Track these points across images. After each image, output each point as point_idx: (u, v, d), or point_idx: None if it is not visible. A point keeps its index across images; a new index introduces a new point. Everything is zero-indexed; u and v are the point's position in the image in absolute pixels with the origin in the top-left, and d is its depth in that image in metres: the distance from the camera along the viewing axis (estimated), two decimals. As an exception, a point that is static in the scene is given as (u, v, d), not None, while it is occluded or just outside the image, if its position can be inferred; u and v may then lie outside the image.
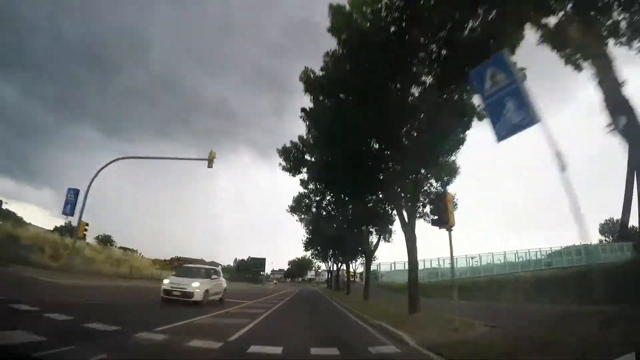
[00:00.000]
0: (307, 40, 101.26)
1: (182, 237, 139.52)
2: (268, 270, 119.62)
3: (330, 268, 57.44)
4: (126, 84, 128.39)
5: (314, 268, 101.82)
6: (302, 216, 31.86)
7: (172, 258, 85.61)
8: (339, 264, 46.77)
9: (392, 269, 39.43)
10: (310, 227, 37.86)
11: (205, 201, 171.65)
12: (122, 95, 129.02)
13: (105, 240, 70.16)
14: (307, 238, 49.42)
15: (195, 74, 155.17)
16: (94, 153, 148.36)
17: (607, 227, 64.28)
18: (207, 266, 17.67)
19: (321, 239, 40.19)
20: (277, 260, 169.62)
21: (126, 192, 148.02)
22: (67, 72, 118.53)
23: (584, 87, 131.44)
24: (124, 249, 67.86)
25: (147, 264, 44.84)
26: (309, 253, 60.35)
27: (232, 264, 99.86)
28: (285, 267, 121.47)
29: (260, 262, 70.77)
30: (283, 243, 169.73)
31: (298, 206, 29.72)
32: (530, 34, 9.79)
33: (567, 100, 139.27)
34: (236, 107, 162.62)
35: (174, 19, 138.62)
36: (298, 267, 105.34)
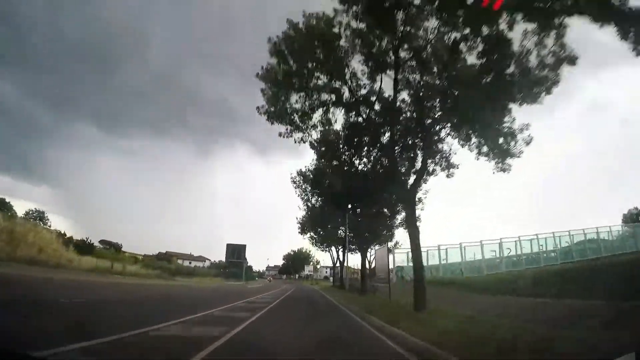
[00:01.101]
0: None
1: (176, 233, 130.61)
2: (262, 266, 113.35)
3: (337, 258, 40.48)
4: (124, 80, 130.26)
5: (312, 262, 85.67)
6: (294, 133, 14.49)
7: (159, 253, 78.78)
8: (368, 247, 29.64)
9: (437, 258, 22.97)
10: (311, 175, 21.22)
11: (201, 198, 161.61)
12: (120, 93, 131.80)
13: (37, 217, 54.02)
14: (305, 213, 32.94)
15: (193, 71, 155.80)
16: (91, 150, 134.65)
17: (629, 217, 58.85)
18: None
19: (326, 205, 23.75)
20: (273, 257, 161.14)
21: (119, 188, 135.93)
22: (65, 69, 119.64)
23: (587, 82, 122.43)
24: (104, 242, 57.96)
25: (52, 241, 27.85)
26: (306, 241, 43.88)
27: (224, 260, 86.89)
28: (282, 263, 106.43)
29: (238, 250, 50.62)
30: (283, 240, 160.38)
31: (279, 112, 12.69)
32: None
33: (571, 95, 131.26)
34: (234, 105, 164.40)
35: (173, 15, 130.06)
36: (294, 262, 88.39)
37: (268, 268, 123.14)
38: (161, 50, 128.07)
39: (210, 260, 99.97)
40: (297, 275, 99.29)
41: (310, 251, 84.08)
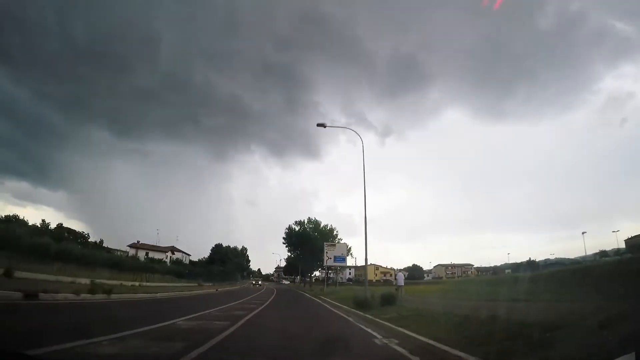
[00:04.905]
0: (315, 30, 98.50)
1: (188, 234, 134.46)
2: (271, 269, 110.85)
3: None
4: (135, 83, 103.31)
5: (336, 240, 38.68)
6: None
7: (132, 243, 70.04)
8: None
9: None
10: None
11: (216, 198, 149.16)
12: (132, 95, 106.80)
13: None
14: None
15: (204, 71, 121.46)
16: (105, 154, 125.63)
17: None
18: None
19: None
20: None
21: (133, 191, 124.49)
22: (77, 73, 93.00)
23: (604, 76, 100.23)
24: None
25: None
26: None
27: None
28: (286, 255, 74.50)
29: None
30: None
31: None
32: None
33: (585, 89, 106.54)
34: (247, 104, 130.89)
35: (180, 14, 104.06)
36: (300, 246, 46.04)
37: (277, 269, 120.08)
38: (170, 52, 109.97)
39: (185, 254, 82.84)
40: (306, 278, 59.26)
41: (335, 228, 45.01)
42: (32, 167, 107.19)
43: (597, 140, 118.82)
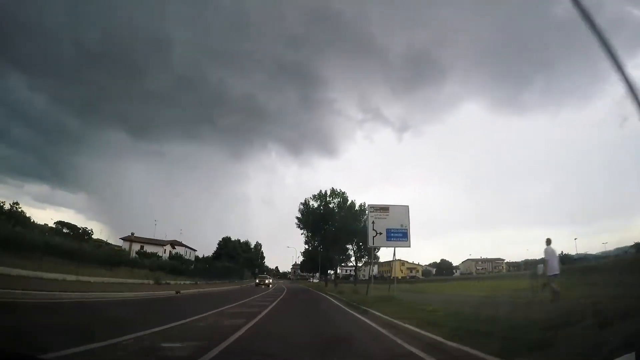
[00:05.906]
0: (327, 27, 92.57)
1: (207, 235, 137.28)
2: (289, 267, 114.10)
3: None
4: (150, 85, 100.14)
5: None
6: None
7: (126, 236, 64.25)
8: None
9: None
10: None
11: (234, 198, 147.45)
12: (147, 97, 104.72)
13: None
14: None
15: (217, 72, 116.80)
16: (123, 156, 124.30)
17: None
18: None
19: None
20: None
21: (152, 192, 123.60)
22: (93, 77, 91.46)
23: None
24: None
25: None
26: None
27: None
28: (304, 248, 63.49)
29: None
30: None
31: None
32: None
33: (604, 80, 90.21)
34: (262, 103, 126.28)
35: (191, 16, 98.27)
36: (316, 221, 32.02)
37: (294, 266, 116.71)
38: (183, 53, 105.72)
39: (188, 248, 74.58)
40: (327, 275, 47.04)
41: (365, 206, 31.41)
42: (51, 170, 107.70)
43: (617, 132, 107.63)
